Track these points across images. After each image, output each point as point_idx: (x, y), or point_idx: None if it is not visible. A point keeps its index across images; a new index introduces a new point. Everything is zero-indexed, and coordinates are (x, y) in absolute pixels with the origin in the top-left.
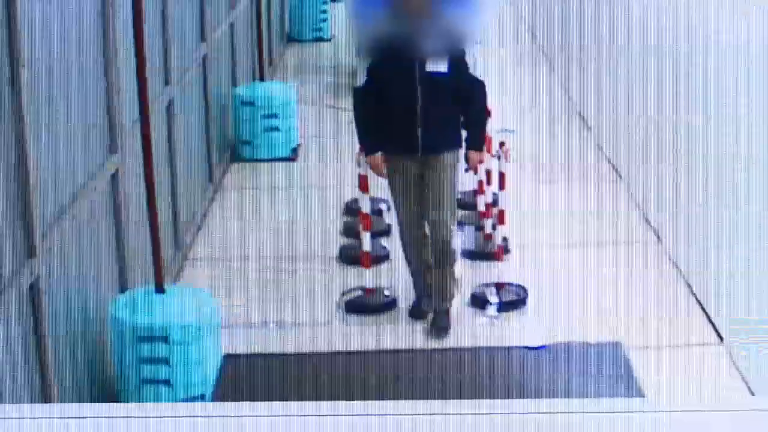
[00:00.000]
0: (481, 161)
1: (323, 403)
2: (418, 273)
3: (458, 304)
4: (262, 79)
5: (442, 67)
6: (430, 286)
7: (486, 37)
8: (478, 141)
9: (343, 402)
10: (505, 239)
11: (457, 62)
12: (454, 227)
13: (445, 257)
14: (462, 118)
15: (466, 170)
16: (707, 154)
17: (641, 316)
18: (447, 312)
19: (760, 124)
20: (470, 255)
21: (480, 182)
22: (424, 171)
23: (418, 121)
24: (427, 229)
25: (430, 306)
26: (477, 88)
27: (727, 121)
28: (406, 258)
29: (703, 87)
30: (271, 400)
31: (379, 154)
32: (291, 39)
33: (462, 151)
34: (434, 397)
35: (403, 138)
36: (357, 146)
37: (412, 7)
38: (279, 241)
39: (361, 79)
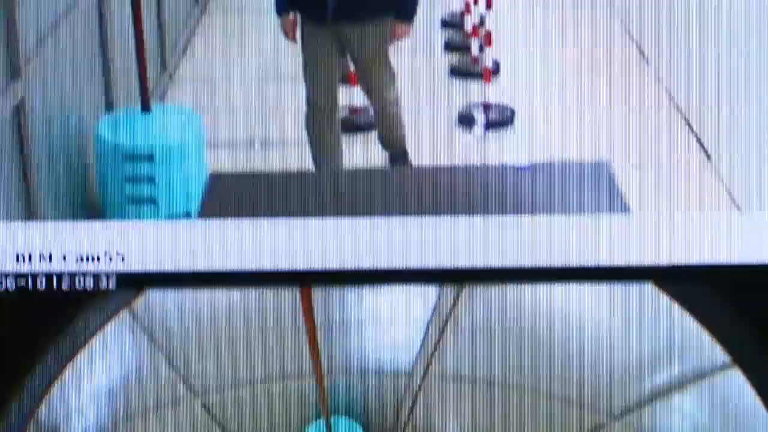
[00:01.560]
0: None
1: (316, 219)
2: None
3: (446, 122)
4: None
5: None
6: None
7: None
8: (407, 9)
9: (342, 218)
10: (495, 62)
11: None
12: (394, 94)
13: (392, 129)
14: None
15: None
16: None
17: (629, 136)
18: (404, 153)
19: None
20: (458, 74)
21: (467, 3)
22: (344, 45)
23: None
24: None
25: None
26: None
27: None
28: (312, 154)
29: None
30: (257, 217)
31: (290, 16)
32: None
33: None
34: (420, 215)
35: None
36: None
37: None
38: (266, 62)
39: None
